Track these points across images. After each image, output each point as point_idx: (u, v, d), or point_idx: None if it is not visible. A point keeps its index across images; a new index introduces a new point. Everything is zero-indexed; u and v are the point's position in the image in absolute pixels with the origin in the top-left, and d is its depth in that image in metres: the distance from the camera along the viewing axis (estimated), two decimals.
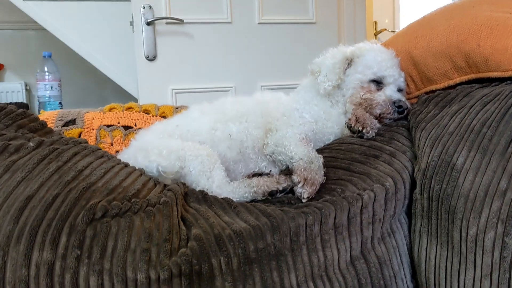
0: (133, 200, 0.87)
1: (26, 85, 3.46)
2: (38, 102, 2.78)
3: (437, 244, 0.96)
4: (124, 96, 2.95)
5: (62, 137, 0.98)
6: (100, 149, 1.01)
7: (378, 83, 1.28)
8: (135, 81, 2.61)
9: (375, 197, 0.99)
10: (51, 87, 2.72)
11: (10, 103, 3.07)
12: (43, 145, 0.91)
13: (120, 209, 0.83)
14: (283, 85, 2.72)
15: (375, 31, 4.34)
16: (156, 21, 2.46)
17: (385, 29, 4.36)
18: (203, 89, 2.61)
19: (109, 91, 3.28)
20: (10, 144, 0.87)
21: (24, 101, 3.41)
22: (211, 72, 2.63)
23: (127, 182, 0.91)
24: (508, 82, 1.05)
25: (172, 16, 2.48)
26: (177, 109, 1.51)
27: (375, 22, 4.38)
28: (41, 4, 2.72)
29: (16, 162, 0.84)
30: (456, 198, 0.90)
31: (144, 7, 2.44)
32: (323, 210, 0.93)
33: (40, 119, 1.23)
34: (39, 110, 2.78)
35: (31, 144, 0.89)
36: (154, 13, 2.46)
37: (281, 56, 2.74)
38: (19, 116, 0.99)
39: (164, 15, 2.47)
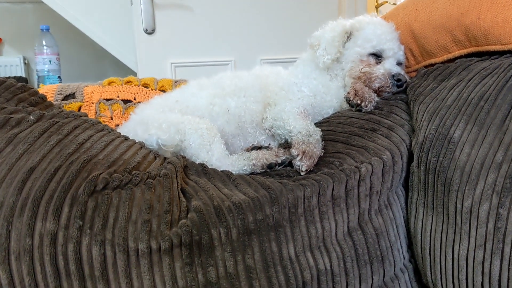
0: (133, 172, 0.88)
1: (24, 59, 3.45)
2: (37, 76, 2.77)
3: (432, 216, 0.98)
4: (122, 69, 2.95)
5: (62, 111, 0.99)
6: (100, 123, 1.02)
7: (377, 56, 1.28)
8: (134, 55, 2.60)
9: (372, 170, 1.00)
10: (50, 61, 2.71)
11: (9, 77, 3.07)
12: (43, 118, 0.92)
13: (121, 181, 0.84)
14: (283, 59, 2.71)
15: (376, 4, 4.29)
16: None
17: (386, 2, 4.31)
18: (202, 62, 2.61)
19: (107, 64, 3.28)
20: (11, 117, 0.87)
21: (23, 75, 3.40)
22: (211, 45, 2.61)
23: (127, 155, 0.92)
24: (508, 55, 1.05)
25: None
26: (176, 83, 1.51)
27: None
28: None
29: (17, 135, 0.85)
30: (452, 171, 0.92)
31: None
32: (321, 182, 0.94)
33: (40, 92, 1.23)
34: (38, 84, 2.78)
35: (31, 117, 0.90)
36: None
37: (281, 30, 2.73)
38: (19, 89, 0.99)
39: None
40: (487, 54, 1.12)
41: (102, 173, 0.84)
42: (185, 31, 2.54)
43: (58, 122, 0.91)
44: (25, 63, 3.45)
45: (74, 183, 0.80)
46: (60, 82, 2.76)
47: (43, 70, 2.70)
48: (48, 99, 1.27)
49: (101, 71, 3.34)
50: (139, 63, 2.52)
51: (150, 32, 2.47)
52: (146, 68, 2.52)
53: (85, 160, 0.84)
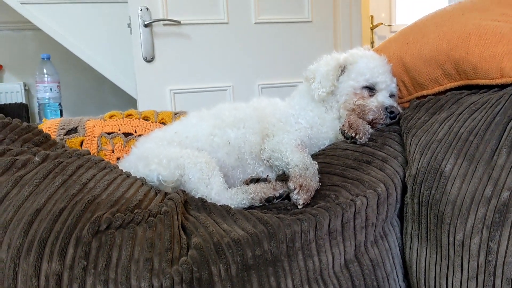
0: (135, 211, 0.91)
1: (25, 85, 3.49)
2: (38, 104, 2.81)
3: (427, 247, 1.01)
4: (122, 96, 2.99)
5: (66, 150, 1.02)
6: (103, 160, 1.05)
7: (370, 89, 1.32)
8: (134, 82, 2.65)
9: (367, 203, 1.03)
10: (51, 89, 2.76)
11: (10, 104, 3.10)
12: (48, 159, 0.95)
13: (123, 221, 0.87)
14: (281, 84, 2.77)
15: (371, 26, 4.37)
16: (153, 23, 2.49)
17: (382, 23, 4.39)
18: (201, 89, 2.65)
19: (107, 91, 3.33)
20: (17, 159, 0.91)
21: (24, 102, 3.45)
22: (209, 72, 2.66)
23: (129, 193, 0.95)
24: (496, 89, 1.09)
25: (169, 17, 2.51)
26: (176, 115, 1.54)
27: (372, 17, 4.40)
28: (39, 7, 2.75)
29: (23, 177, 0.88)
30: (444, 204, 0.95)
31: (141, 9, 2.47)
32: (317, 216, 0.97)
33: (43, 128, 1.27)
34: (39, 112, 2.83)
35: (37, 158, 0.93)
36: (151, 15, 2.49)
37: (278, 55, 2.78)
38: (24, 130, 1.03)
39: (161, 17, 2.50)
40: (477, 87, 1.16)
41: (105, 213, 0.86)
42: (184, 59, 2.59)
43: (63, 162, 0.95)
44: (25, 90, 3.49)
45: (78, 223, 0.83)
46: (61, 109, 2.80)
47: (44, 98, 2.75)
48: (51, 134, 1.31)
49: (101, 97, 3.39)
50: (138, 90, 2.56)
51: (150, 60, 2.52)
52: (145, 95, 2.56)
53: (88, 200, 0.87)
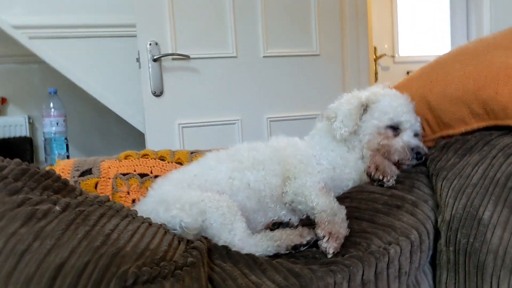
0: (161, 263, 0.86)
1: (29, 118, 3.47)
2: (43, 138, 2.78)
3: None
4: (131, 131, 2.96)
5: (87, 197, 0.98)
6: (124, 207, 1.01)
7: (394, 128, 1.28)
8: (142, 116, 2.62)
9: (401, 251, 0.98)
10: (57, 123, 2.73)
11: (14, 137, 3.07)
12: (69, 208, 0.90)
13: (150, 275, 0.82)
14: (289, 117, 2.75)
15: (375, 57, 4.39)
16: (162, 58, 2.48)
17: (385, 54, 4.41)
18: (209, 122, 2.63)
19: (113, 124, 3.30)
20: (37, 209, 0.86)
21: (28, 135, 3.41)
22: (218, 105, 2.64)
23: (154, 243, 0.91)
24: None
25: (178, 52, 2.51)
26: (193, 154, 1.51)
27: (375, 48, 4.43)
28: (48, 42, 2.75)
29: (44, 229, 0.84)
30: (485, 254, 0.90)
31: (150, 44, 2.47)
32: (351, 267, 0.92)
33: (56, 169, 1.23)
34: (44, 146, 2.79)
35: (57, 208, 0.89)
36: (161, 50, 2.48)
37: (287, 88, 2.77)
38: (43, 177, 0.98)
39: (170, 51, 2.49)
40: (507, 128, 1.13)
41: (131, 267, 0.82)
42: (193, 93, 2.57)
43: (84, 211, 0.90)
44: (29, 123, 3.46)
45: (104, 278, 0.78)
46: (67, 143, 2.76)
47: (50, 132, 2.72)
48: (65, 176, 1.27)
49: (107, 131, 3.36)
50: (147, 124, 2.53)
51: (158, 94, 2.50)
52: (154, 129, 2.53)
53: (113, 253, 0.83)
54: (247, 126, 2.71)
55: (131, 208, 1.07)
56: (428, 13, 4.58)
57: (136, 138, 2.93)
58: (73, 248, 0.82)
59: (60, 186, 1.00)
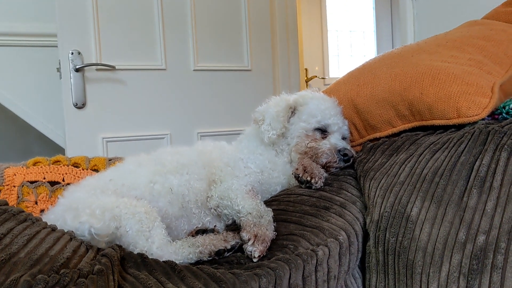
0: (62, 271, 0.75)
1: None
2: None
3: None
4: (50, 146, 2.76)
5: None
6: (23, 212, 0.89)
7: (322, 131, 1.26)
8: (62, 130, 2.45)
9: (329, 253, 0.93)
10: None
11: None
12: None
13: (46, 283, 0.71)
14: (220, 132, 2.68)
15: (306, 78, 4.47)
16: (85, 67, 2.34)
17: (316, 76, 4.50)
18: (136, 137, 2.50)
19: (32, 140, 3.06)
20: None
21: None
22: (145, 119, 2.53)
23: (54, 249, 0.79)
24: (453, 129, 1.06)
25: (103, 62, 2.38)
26: (111, 161, 1.39)
27: (306, 70, 4.51)
28: None
29: None
30: (414, 252, 0.87)
31: (72, 53, 2.32)
32: (277, 271, 0.86)
33: None
34: None
35: None
36: (84, 59, 2.34)
37: (218, 103, 2.71)
38: None
39: (94, 61, 2.36)
40: (432, 128, 1.13)
41: (23, 274, 0.70)
42: (118, 105, 2.44)
43: None
44: None
45: None
46: None
47: None
48: None
49: (26, 148, 3.11)
50: (67, 138, 2.36)
51: (81, 106, 2.35)
52: (75, 144, 2.37)
53: (2, 260, 0.71)
54: (176, 141, 2.61)
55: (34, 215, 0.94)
56: (356, 36, 4.76)
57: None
58: None
59: None
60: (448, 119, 1.06)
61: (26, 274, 0.71)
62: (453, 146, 0.95)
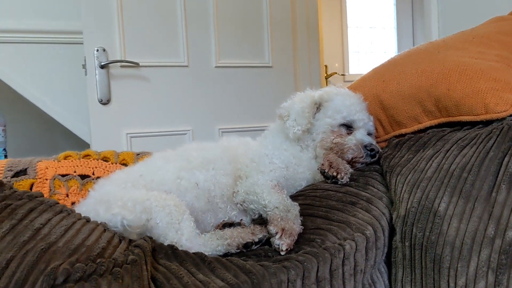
0: (98, 260, 0.78)
1: None
2: None
3: None
4: (75, 141, 2.82)
5: (15, 191, 0.88)
6: (58, 203, 0.92)
7: (348, 127, 1.26)
8: (87, 126, 2.50)
9: (356, 247, 0.94)
10: None
11: None
12: None
13: (84, 272, 0.74)
14: (241, 128, 2.70)
15: (326, 75, 4.45)
16: (110, 64, 2.38)
17: (335, 73, 4.48)
18: (159, 132, 2.54)
19: (58, 136, 3.12)
20: None
21: None
22: (168, 115, 2.56)
23: (90, 240, 0.82)
24: (480, 126, 1.06)
25: (127, 59, 2.42)
26: (138, 156, 1.42)
27: (326, 66, 4.49)
28: None
29: None
30: (442, 246, 0.87)
31: (97, 50, 2.37)
32: (305, 263, 0.87)
33: None
34: None
35: None
36: (108, 56, 2.39)
37: (239, 99, 2.73)
38: None
39: (118, 58, 2.40)
40: (458, 124, 1.13)
41: (62, 263, 0.73)
42: (142, 102, 2.48)
43: (11, 204, 0.81)
44: None
45: (29, 277, 0.69)
46: (5, 155, 2.59)
47: None
48: None
49: (52, 143, 3.17)
50: (93, 134, 2.41)
51: (105, 102, 2.40)
52: (100, 139, 2.41)
53: (42, 248, 0.74)
54: (198, 137, 2.63)
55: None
56: (376, 32, 4.73)
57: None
58: None
59: None
60: (475, 115, 1.06)
61: (65, 262, 0.73)
62: (481, 142, 0.95)
